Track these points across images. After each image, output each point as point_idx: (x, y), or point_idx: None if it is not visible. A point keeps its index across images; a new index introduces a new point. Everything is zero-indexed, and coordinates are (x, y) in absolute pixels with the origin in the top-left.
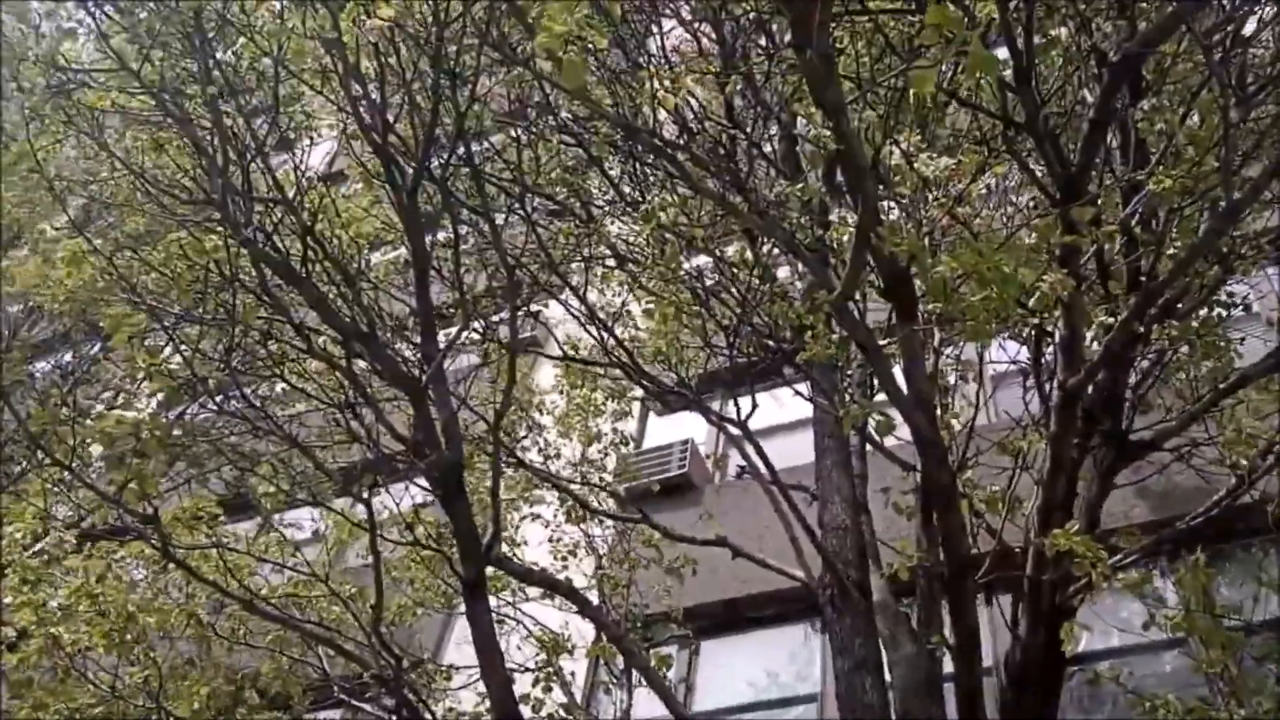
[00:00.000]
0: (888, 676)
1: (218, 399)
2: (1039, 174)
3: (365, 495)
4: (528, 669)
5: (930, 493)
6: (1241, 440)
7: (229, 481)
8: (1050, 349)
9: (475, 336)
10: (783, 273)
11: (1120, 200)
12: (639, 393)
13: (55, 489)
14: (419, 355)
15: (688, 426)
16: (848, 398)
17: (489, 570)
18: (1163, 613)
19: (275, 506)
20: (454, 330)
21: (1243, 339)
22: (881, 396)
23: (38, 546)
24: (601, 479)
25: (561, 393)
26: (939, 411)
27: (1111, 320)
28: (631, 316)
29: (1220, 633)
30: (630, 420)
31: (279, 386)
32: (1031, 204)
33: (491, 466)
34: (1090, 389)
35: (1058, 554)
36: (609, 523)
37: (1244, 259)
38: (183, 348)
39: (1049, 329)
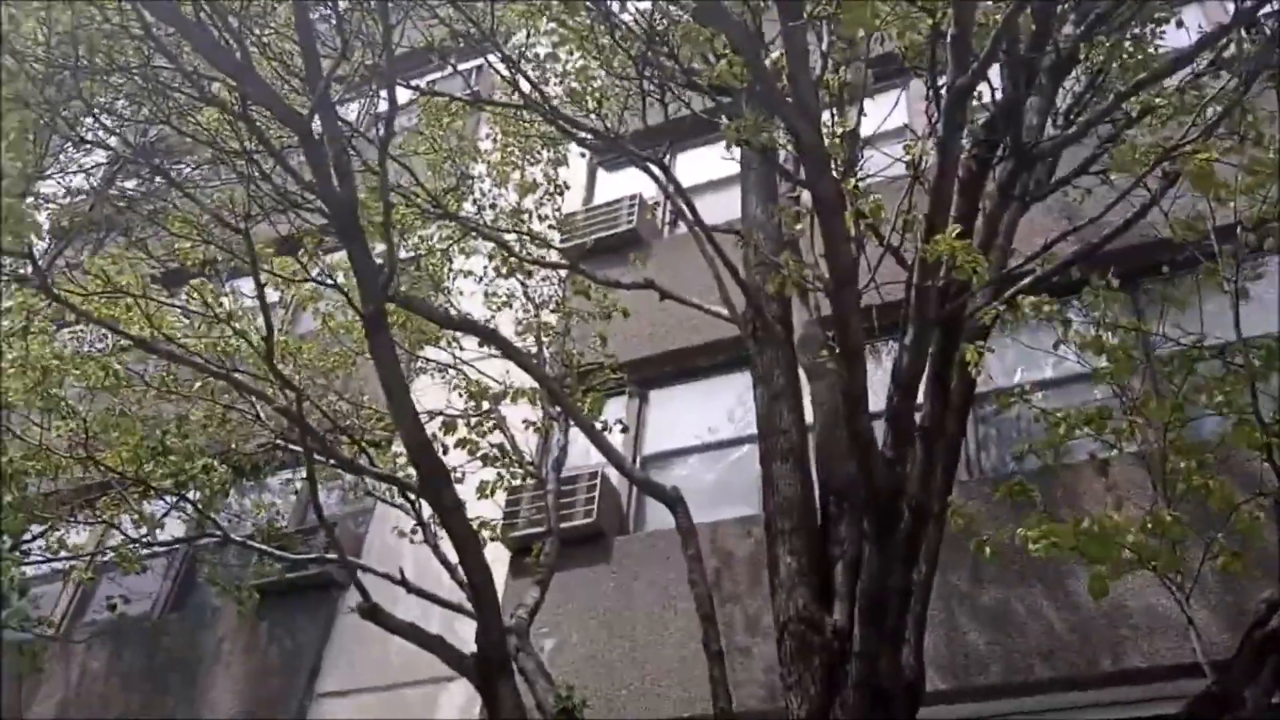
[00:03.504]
0: (808, 408)
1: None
2: None
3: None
4: (467, 414)
5: (814, 201)
6: (1134, 158)
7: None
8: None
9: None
10: None
11: None
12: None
13: None
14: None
15: (636, 182)
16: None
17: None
18: (1072, 333)
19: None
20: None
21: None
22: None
23: None
24: (538, 229)
25: (494, 140)
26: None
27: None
28: (557, 61)
29: (1126, 353)
30: (566, 169)
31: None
32: None
33: (381, 198)
34: (992, 99)
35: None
36: (546, 274)
37: None
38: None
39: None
